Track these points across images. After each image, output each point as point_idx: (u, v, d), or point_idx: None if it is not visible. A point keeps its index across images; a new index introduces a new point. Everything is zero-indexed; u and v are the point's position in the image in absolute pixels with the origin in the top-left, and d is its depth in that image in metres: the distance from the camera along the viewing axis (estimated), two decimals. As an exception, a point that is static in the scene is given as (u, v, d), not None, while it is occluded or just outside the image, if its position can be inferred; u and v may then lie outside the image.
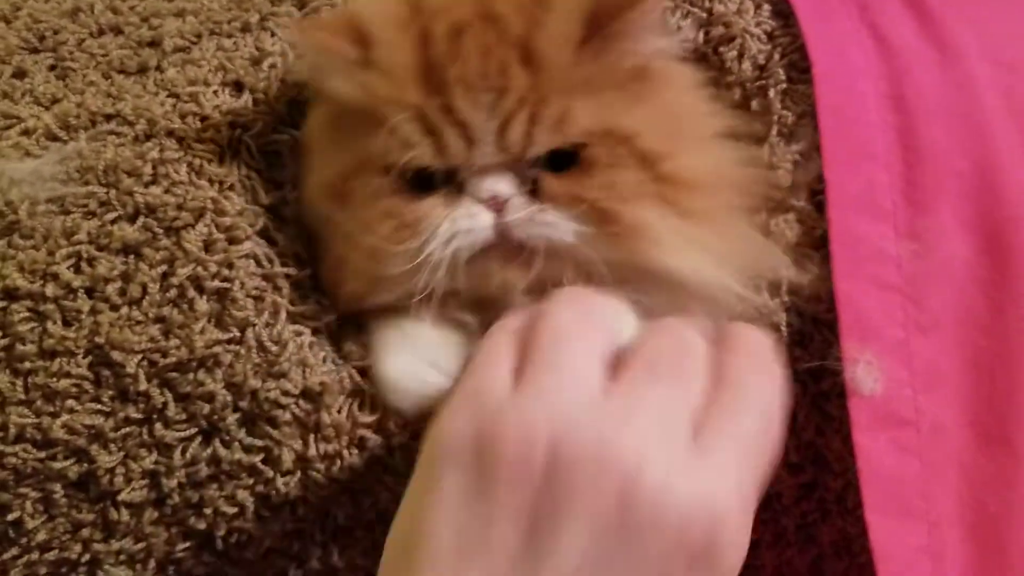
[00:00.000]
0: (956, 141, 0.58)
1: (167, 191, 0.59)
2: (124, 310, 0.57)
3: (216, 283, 0.57)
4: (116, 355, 0.56)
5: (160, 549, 0.59)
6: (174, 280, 0.57)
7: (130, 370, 0.56)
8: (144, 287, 0.57)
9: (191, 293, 0.57)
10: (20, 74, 0.66)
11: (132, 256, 0.58)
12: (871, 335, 0.54)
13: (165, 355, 0.56)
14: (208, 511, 0.58)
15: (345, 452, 0.57)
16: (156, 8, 0.69)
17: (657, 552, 0.39)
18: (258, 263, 0.59)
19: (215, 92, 0.63)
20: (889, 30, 0.63)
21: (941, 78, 0.60)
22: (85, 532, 0.58)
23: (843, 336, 0.53)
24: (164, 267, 0.57)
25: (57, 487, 0.57)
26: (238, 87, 0.64)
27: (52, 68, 0.66)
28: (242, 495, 0.58)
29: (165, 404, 0.57)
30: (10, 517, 0.57)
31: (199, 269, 0.57)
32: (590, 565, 0.38)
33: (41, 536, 0.58)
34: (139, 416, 0.57)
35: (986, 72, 0.61)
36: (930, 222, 0.56)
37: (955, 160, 0.58)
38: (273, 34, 0.66)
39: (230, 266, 0.58)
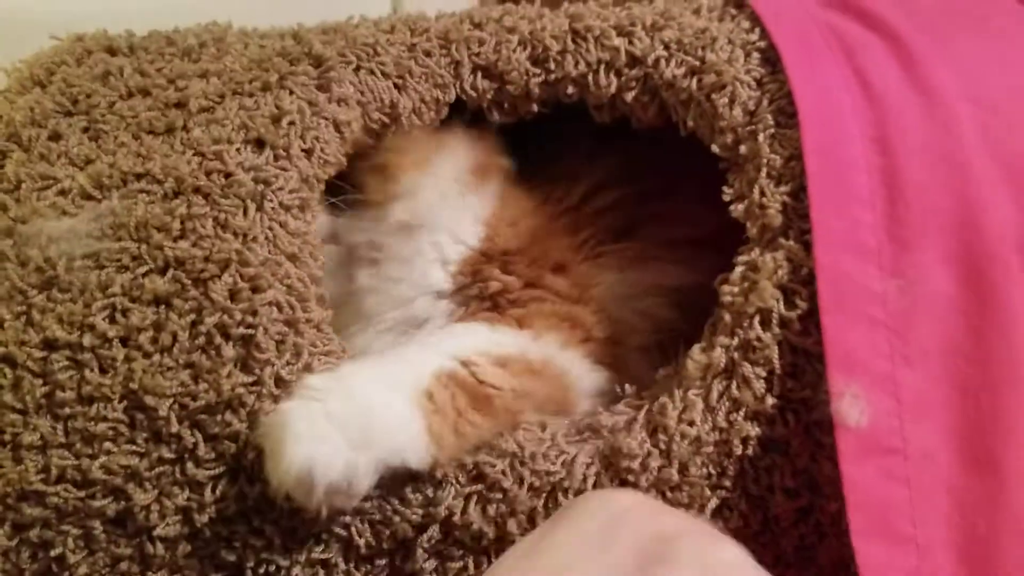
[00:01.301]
0: (938, 180, 0.61)
1: (194, 245, 0.63)
2: (156, 357, 0.60)
3: (241, 330, 0.61)
4: (149, 400, 0.60)
5: (193, 580, 0.62)
6: (202, 328, 0.61)
7: (162, 413, 0.60)
8: (174, 335, 0.61)
9: (218, 340, 0.61)
10: (55, 136, 0.70)
11: (163, 306, 0.61)
12: (858, 368, 0.56)
13: (195, 398, 0.60)
14: (237, 544, 0.61)
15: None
16: (182, 70, 0.72)
17: None
18: (280, 309, 0.62)
19: (238, 149, 0.67)
20: (874, 75, 0.65)
21: (924, 120, 0.63)
22: (123, 566, 0.61)
23: (829, 370, 0.56)
24: (192, 316, 0.61)
25: (97, 524, 0.61)
26: (259, 144, 0.67)
27: (85, 130, 0.70)
28: (268, 528, 0.61)
29: (196, 444, 0.60)
30: (53, 553, 0.61)
31: (225, 317, 0.61)
32: None
33: (82, 570, 0.61)
34: (172, 456, 0.60)
35: (967, 111, 0.63)
36: (914, 258, 0.59)
37: (937, 199, 0.60)
38: (291, 92, 0.70)
39: (254, 313, 0.61)
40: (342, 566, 0.61)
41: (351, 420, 0.56)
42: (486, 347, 0.65)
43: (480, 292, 0.75)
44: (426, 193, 0.75)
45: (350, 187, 0.74)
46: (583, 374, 0.70)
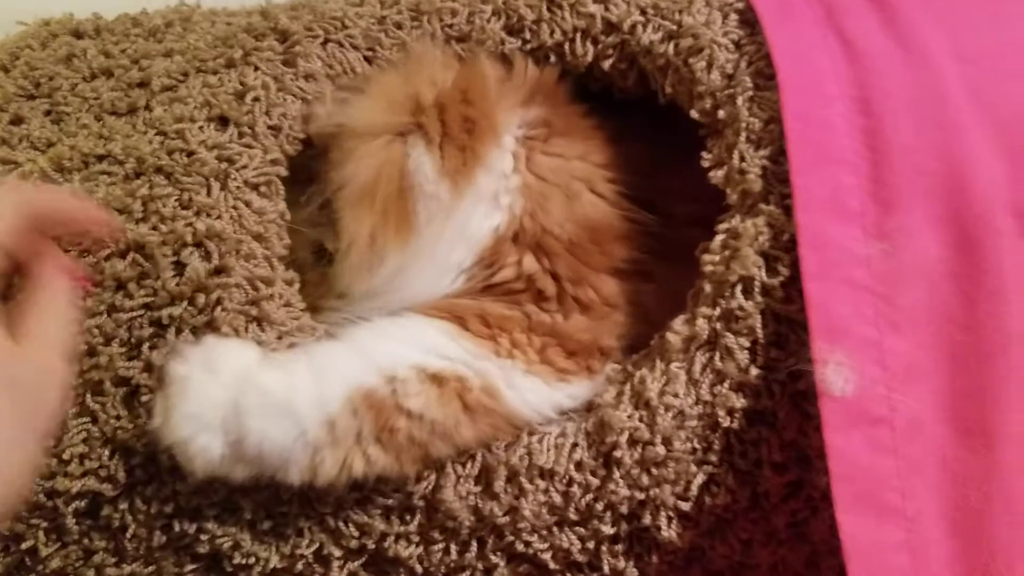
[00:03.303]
0: (924, 141, 0.58)
1: (154, 227, 0.61)
2: (116, 345, 0.59)
3: (203, 317, 0.59)
4: (110, 388, 0.59)
5: (170, 572, 0.61)
6: (164, 312, 0.59)
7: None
8: (135, 320, 0.59)
9: (180, 324, 0.59)
10: (17, 120, 0.68)
11: (121, 292, 0.60)
12: (842, 335, 0.54)
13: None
14: (210, 536, 0.60)
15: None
16: (146, 50, 0.71)
17: None
18: (244, 290, 0.61)
19: (201, 127, 0.65)
20: (855, 33, 0.63)
21: (908, 78, 0.61)
22: (97, 558, 0.60)
23: (813, 337, 0.54)
24: (153, 299, 0.59)
25: (68, 516, 0.59)
26: (223, 122, 0.66)
27: (47, 113, 0.69)
28: (243, 520, 0.60)
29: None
30: (24, 546, 0.59)
31: (185, 303, 0.59)
32: None
33: (55, 563, 0.60)
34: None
35: (952, 68, 0.61)
36: (899, 221, 0.57)
37: (923, 159, 0.58)
38: (256, 68, 0.68)
39: (219, 295, 0.60)
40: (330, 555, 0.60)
41: (235, 431, 0.55)
42: (427, 358, 0.59)
43: (486, 279, 0.67)
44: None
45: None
46: (542, 403, 0.62)
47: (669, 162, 0.71)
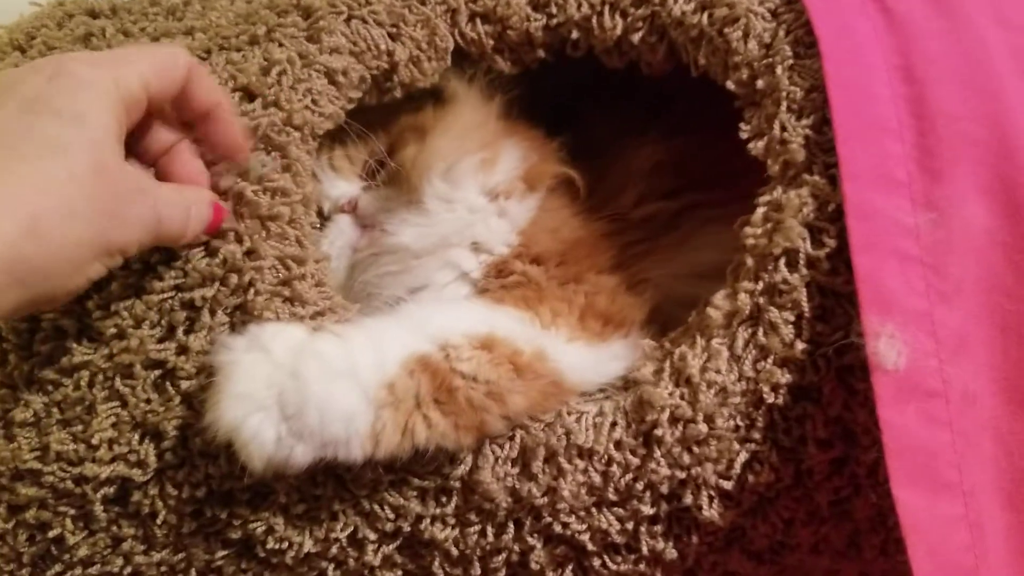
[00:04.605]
0: (969, 108, 0.57)
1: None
2: (145, 328, 0.58)
3: (236, 299, 0.58)
4: (140, 372, 0.58)
5: (200, 559, 0.60)
6: (195, 295, 0.58)
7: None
8: (164, 302, 0.58)
9: (211, 305, 0.58)
10: (37, 100, 0.66)
11: (150, 274, 0.58)
12: (892, 308, 0.53)
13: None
14: (242, 521, 0.59)
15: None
16: (166, 28, 0.69)
17: None
18: (276, 270, 0.60)
19: (228, 103, 0.63)
20: (896, 1, 0.62)
21: (950, 46, 0.59)
22: (126, 546, 0.59)
23: (863, 310, 0.52)
24: (181, 281, 0.58)
25: (96, 504, 0.58)
26: (250, 97, 0.64)
27: (67, 93, 0.67)
28: (278, 504, 0.58)
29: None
30: (51, 534, 0.58)
31: (218, 283, 0.58)
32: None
33: (83, 552, 0.59)
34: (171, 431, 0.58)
35: (997, 36, 0.60)
36: (947, 190, 0.55)
37: (969, 127, 0.57)
38: (280, 45, 0.66)
39: (251, 276, 0.58)
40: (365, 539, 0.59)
41: (294, 402, 0.52)
42: (476, 327, 0.59)
43: (502, 286, 0.70)
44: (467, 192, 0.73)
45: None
46: (588, 369, 0.62)
47: (609, 171, 0.79)
